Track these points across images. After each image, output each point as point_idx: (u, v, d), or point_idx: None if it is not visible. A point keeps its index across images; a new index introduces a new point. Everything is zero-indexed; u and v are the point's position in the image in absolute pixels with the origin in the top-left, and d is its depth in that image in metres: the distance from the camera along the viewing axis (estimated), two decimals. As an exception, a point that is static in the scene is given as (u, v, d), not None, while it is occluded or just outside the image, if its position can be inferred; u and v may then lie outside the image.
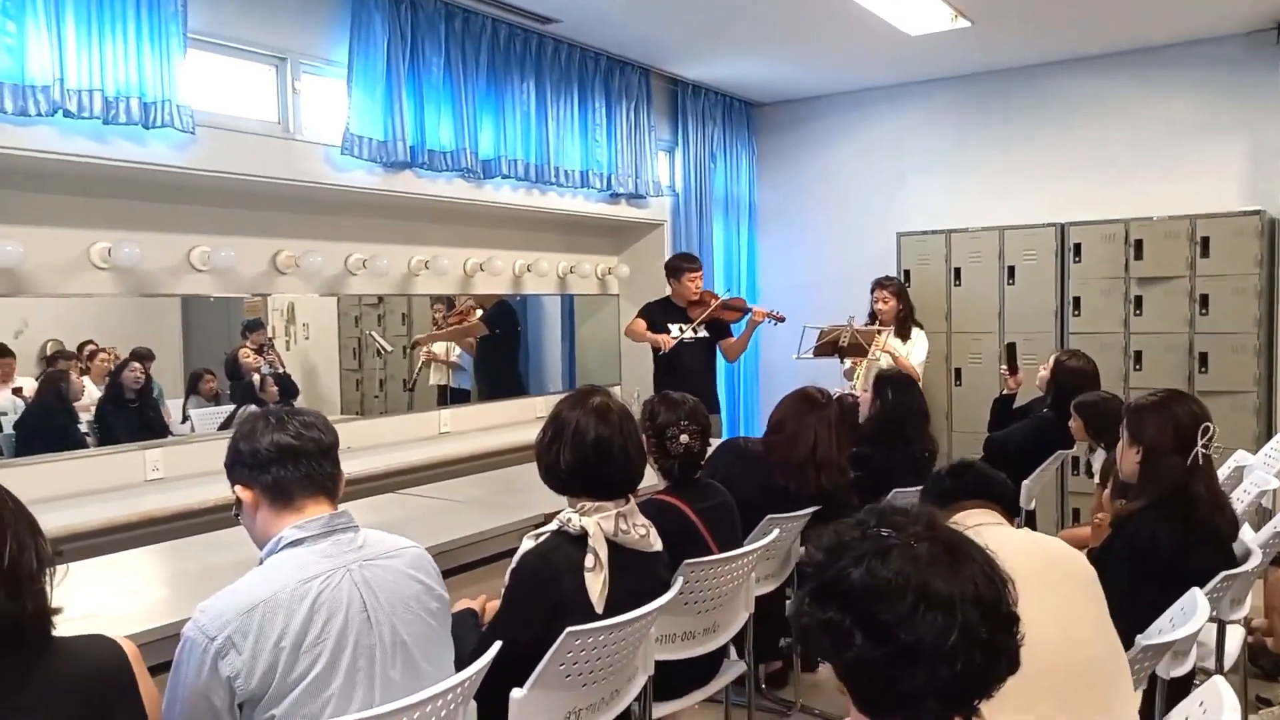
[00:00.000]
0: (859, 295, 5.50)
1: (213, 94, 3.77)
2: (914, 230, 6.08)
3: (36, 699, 1.27)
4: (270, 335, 4.33)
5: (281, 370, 4.36)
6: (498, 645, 1.80)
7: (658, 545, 2.26)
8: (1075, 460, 4.90)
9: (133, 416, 3.76)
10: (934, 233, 5.97)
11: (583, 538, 2.09)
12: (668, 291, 5.26)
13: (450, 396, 5.19)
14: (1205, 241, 5.17)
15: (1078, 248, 5.52)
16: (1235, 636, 2.80)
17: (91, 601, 2.18)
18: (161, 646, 1.81)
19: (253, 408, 4.08)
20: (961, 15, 4.89)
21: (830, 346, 5.04)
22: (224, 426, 4.06)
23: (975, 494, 2.05)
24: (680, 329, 5.05)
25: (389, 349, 4.89)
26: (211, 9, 3.69)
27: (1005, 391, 4.69)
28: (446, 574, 1.93)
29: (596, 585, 2.06)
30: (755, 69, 6.01)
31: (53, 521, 2.97)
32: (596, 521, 2.10)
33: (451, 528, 2.92)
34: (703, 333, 5.12)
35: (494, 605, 2.24)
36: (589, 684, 2.04)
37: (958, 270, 5.88)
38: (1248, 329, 5.09)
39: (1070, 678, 1.65)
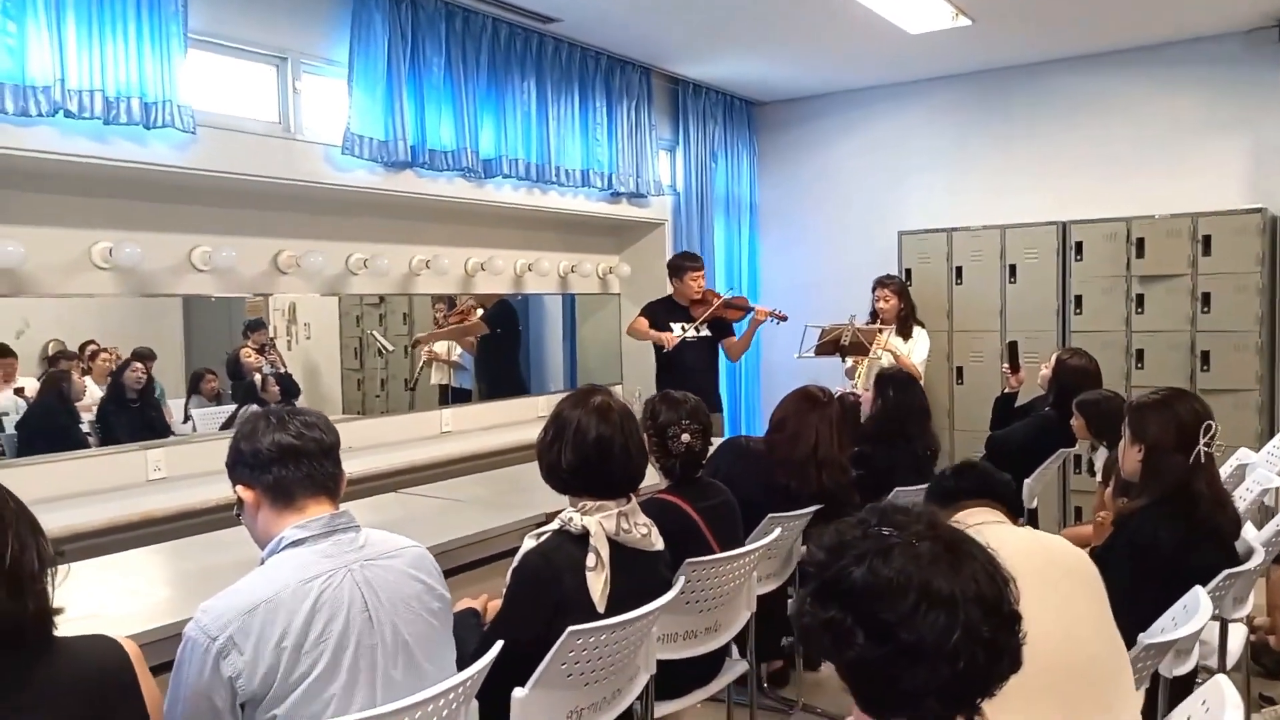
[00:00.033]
0: (860, 294, 5.50)
1: (213, 94, 3.77)
2: (915, 229, 6.08)
3: (38, 699, 1.27)
4: (272, 335, 4.34)
5: (283, 370, 4.36)
6: (499, 645, 1.80)
7: (659, 544, 2.26)
8: (1077, 459, 4.90)
9: (134, 416, 3.76)
10: (935, 231, 5.97)
11: (584, 537, 2.09)
12: (669, 291, 5.26)
13: (452, 396, 5.19)
14: (1207, 239, 5.17)
15: (1079, 246, 5.52)
16: (1238, 635, 2.79)
17: (93, 601, 2.18)
18: (163, 647, 1.81)
19: (254, 407, 4.08)
20: (962, 13, 4.89)
21: (832, 345, 5.04)
22: (225, 426, 4.06)
23: (978, 493, 2.05)
24: (683, 328, 5.05)
25: (390, 348, 4.89)
26: (212, 9, 3.69)
27: (1007, 390, 4.68)
28: (448, 573, 1.93)
29: (598, 585, 2.06)
30: (756, 68, 6.00)
31: (54, 521, 2.97)
32: (598, 521, 2.10)
33: (453, 527, 2.92)
34: (705, 332, 5.12)
35: (496, 605, 2.24)
36: (591, 683, 2.04)
37: (959, 269, 5.88)
38: (1249, 327, 5.09)
39: (1071, 676, 1.65)
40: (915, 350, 5.22)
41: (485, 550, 2.92)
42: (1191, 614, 2.11)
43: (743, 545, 2.70)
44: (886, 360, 5.02)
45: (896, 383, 3.98)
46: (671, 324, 5.05)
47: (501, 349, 5.55)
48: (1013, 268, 5.71)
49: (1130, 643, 1.92)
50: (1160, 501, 2.48)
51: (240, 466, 1.73)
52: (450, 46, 4.49)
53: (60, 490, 3.30)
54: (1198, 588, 2.17)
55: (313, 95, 4.18)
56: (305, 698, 1.54)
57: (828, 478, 3.24)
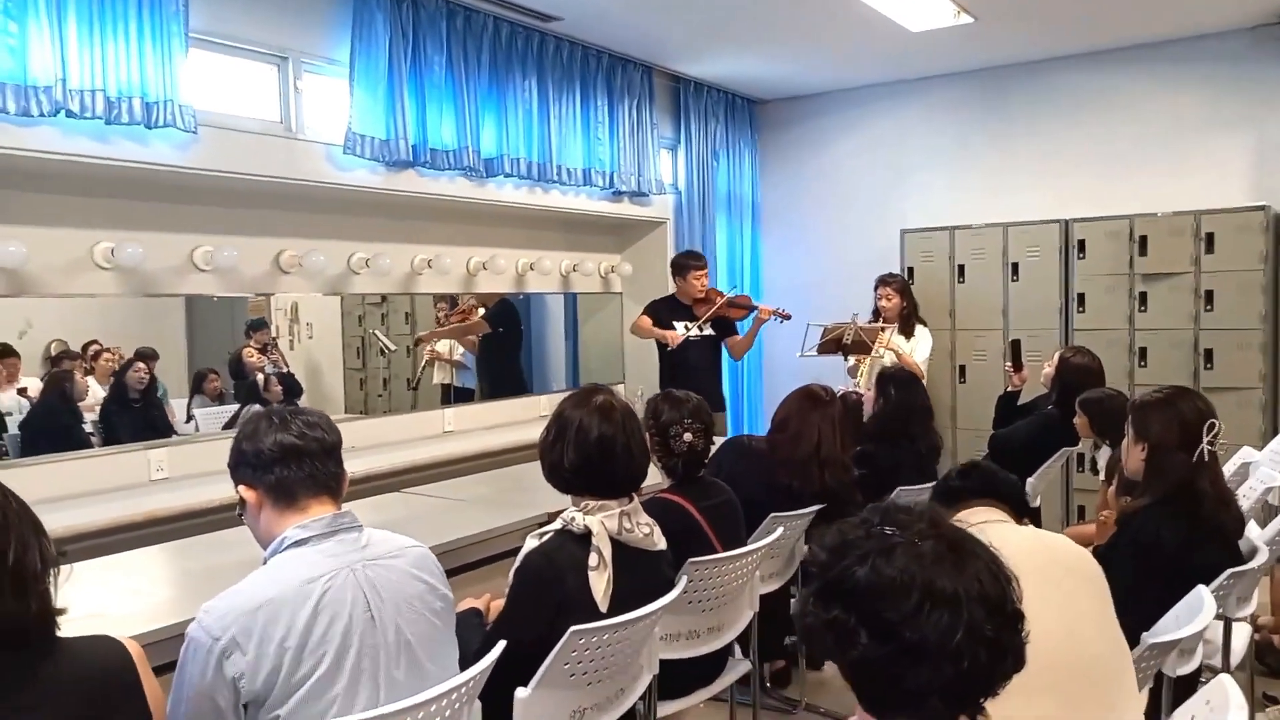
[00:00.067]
0: (862, 292, 5.50)
1: (215, 93, 3.77)
2: (917, 227, 6.07)
3: (40, 699, 1.27)
4: (274, 335, 4.34)
5: (285, 369, 4.36)
6: (502, 644, 1.80)
7: (662, 544, 2.26)
8: (1080, 457, 4.89)
9: (137, 416, 3.76)
10: (937, 229, 5.96)
11: (586, 536, 2.08)
12: (672, 289, 5.26)
13: (454, 395, 5.20)
14: (1210, 237, 5.16)
15: (1082, 244, 5.51)
16: (1242, 634, 2.79)
17: (96, 602, 2.17)
18: (166, 647, 1.81)
19: (257, 407, 4.08)
20: (964, 11, 4.88)
21: (834, 344, 5.03)
22: (228, 426, 4.06)
23: (982, 493, 2.04)
24: (686, 326, 5.04)
25: (392, 348, 4.90)
26: (213, 8, 3.69)
27: (1010, 388, 4.68)
28: (450, 573, 1.93)
29: (600, 584, 2.06)
30: (757, 66, 6.00)
31: (57, 521, 2.97)
32: (600, 520, 2.10)
33: (455, 527, 2.92)
34: (709, 330, 5.12)
35: (498, 605, 2.24)
36: (594, 683, 2.04)
37: (961, 267, 5.87)
38: (1253, 325, 5.08)
39: (1073, 675, 1.65)
40: (918, 349, 5.22)
41: (487, 550, 2.92)
42: (1195, 613, 2.11)
43: (745, 545, 2.70)
44: (889, 359, 5.01)
45: (899, 381, 3.97)
46: (675, 323, 5.05)
47: (504, 348, 5.55)
48: (1015, 266, 5.71)
49: (1133, 642, 1.92)
50: (1163, 500, 2.47)
51: (242, 466, 1.73)
52: (451, 45, 4.49)
53: (63, 490, 3.31)
54: (1201, 587, 2.17)
55: (314, 95, 4.18)
56: (308, 698, 1.54)
57: (830, 477, 3.23)
